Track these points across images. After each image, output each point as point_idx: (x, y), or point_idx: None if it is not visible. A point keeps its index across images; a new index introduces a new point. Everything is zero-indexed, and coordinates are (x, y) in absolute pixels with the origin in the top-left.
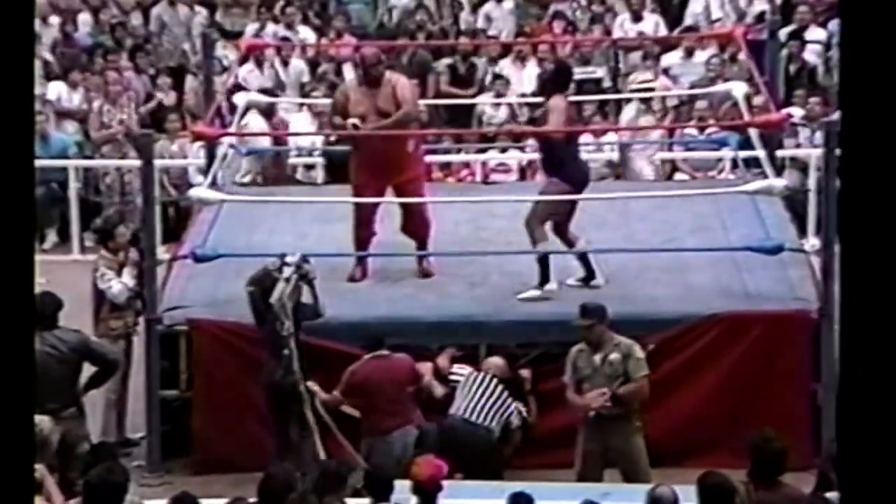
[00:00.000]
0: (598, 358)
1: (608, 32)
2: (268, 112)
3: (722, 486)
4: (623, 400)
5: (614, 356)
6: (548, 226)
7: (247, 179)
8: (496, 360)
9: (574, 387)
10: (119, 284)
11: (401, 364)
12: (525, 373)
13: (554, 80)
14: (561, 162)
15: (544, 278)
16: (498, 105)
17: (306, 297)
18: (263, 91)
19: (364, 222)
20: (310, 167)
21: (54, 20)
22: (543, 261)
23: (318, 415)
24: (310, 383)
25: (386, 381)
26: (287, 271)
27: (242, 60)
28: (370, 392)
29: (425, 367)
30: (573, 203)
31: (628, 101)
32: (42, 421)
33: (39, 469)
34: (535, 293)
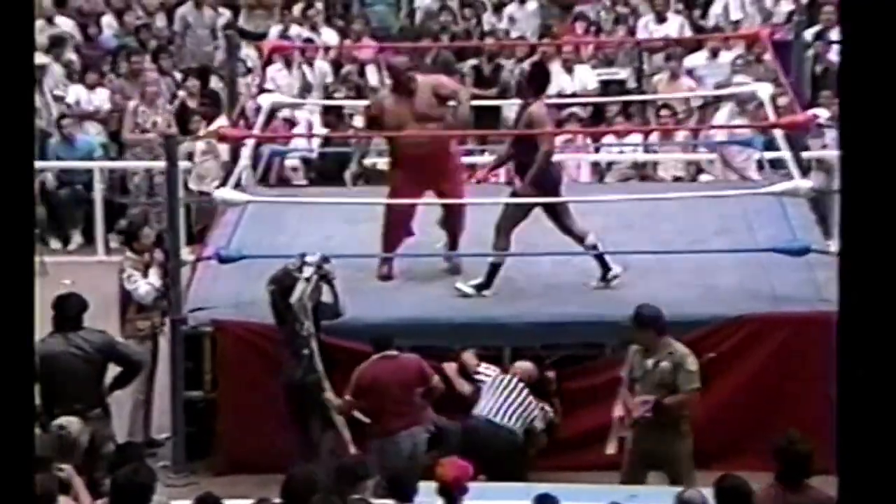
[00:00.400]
0: (650, 362)
1: (632, 33)
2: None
3: (739, 489)
4: (666, 410)
5: (665, 364)
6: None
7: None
8: (526, 365)
9: (629, 384)
10: (146, 285)
11: (408, 365)
12: (550, 374)
13: (531, 82)
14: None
15: (487, 283)
16: None
17: (326, 297)
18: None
19: (397, 225)
20: None
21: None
22: (495, 267)
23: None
24: (327, 394)
25: (393, 382)
26: (307, 271)
27: (266, 62)
28: (378, 393)
29: (450, 368)
30: (554, 204)
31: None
32: (71, 422)
33: (67, 469)
34: (470, 291)
